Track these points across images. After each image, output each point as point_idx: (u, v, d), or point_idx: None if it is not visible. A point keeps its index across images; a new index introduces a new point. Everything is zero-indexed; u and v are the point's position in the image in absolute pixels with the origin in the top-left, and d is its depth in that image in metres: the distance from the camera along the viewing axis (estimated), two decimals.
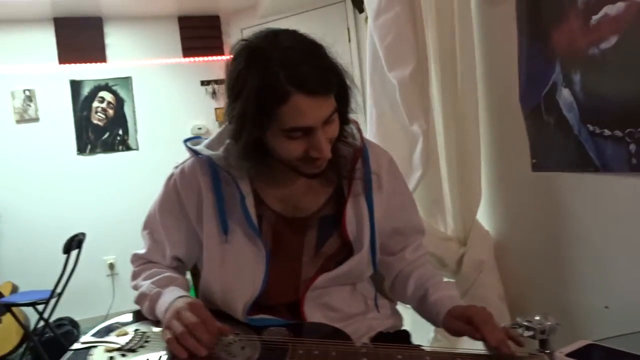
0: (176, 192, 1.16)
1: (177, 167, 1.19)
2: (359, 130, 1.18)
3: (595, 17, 1.23)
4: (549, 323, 1.01)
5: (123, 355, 0.95)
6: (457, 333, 1.09)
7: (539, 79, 1.42)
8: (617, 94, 1.20)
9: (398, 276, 1.28)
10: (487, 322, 1.02)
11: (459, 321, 1.07)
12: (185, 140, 1.19)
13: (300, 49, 0.98)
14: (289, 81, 0.94)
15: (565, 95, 1.34)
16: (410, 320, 1.30)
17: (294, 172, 1.08)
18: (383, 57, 1.66)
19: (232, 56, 1.01)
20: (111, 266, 4.37)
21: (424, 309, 1.20)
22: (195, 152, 1.15)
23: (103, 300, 4.23)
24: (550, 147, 1.42)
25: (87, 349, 0.97)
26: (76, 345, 0.99)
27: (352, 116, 1.13)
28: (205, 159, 1.13)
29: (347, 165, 1.15)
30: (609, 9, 1.18)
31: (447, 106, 1.65)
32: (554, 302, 1.47)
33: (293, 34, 1.01)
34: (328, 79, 0.98)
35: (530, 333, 1.02)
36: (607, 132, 1.23)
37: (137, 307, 1.15)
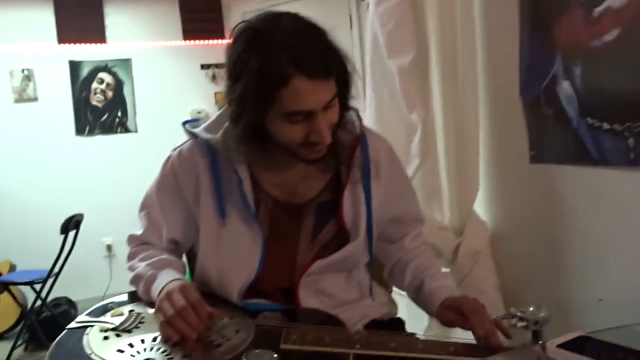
0: (174, 174, 1.16)
1: (175, 149, 1.19)
2: (359, 117, 1.17)
3: (597, 10, 1.22)
4: (542, 314, 1.02)
5: (118, 335, 0.95)
6: (449, 323, 1.10)
7: (540, 70, 1.41)
8: (618, 87, 1.20)
9: (396, 264, 1.29)
10: (476, 312, 1.03)
11: (450, 311, 1.09)
12: (184, 123, 1.19)
13: (302, 31, 0.97)
14: (290, 64, 0.94)
15: (565, 87, 1.34)
16: (406, 308, 1.31)
17: (292, 157, 1.07)
18: (383, 45, 1.65)
19: (232, 38, 1.00)
20: (109, 247, 4.38)
21: (419, 299, 1.22)
22: (193, 135, 1.15)
23: (100, 281, 4.24)
24: (548, 139, 1.42)
25: (83, 329, 0.98)
26: (72, 325, 1.00)
27: (351, 103, 1.13)
28: (204, 142, 1.12)
29: (346, 152, 1.14)
30: (612, 2, 1.17)
31: (446, 95, 1.64)
32: (548, 293, 1.48)
33: (294, 17, 1.00)
34: (329, 63, 0.98)
35: (524, 324, 1.03)
36: (606, 125, 1.23)
37: (133, 288, 1.16)
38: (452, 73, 1.62)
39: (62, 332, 0.99)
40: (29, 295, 3.56)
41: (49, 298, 3.52)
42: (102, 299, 1.15)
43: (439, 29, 1.63)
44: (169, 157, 1.19)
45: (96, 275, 4.26)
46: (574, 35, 1.30)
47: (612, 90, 1.22)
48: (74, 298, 3.86)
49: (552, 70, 1.36)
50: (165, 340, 0.93)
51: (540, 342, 1.03)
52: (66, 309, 3.70)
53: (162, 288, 1.03)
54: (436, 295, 1.15)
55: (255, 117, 1.00)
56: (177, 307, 0.95)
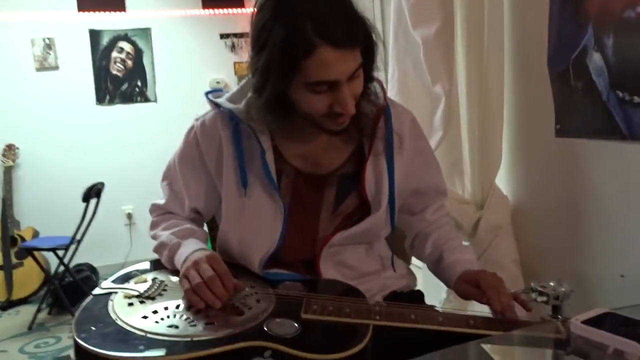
0: (196, 144, 1.17)
1: (197, 119, 1.19)
2: (383, 88, 1.16)
3: None
4: (563, 289, 1.02)
5: (142, 302, 0.97)
6: (466, 296, 1.11)
7: (570, 41, 1.37)
8: None
9: (417, 236, 1.29)
10: (493, 287, 1.03)
11: (468, 285, 1.09)
12: (207, 93, 1.18)
13: (327, 0, 0.95)
14: (316, 33, 0.92)
15: (596, 59, 1.30)
16: (422, 281, 1.31)
17: (316, 128, 1.07)
18: (408, 14, 1.61)
19: (257, 6, 0.99)
20: (129, 216, 4.45)
21: (438, 271, 1.22)
22: (216, 105, 1.14)
23: (121, 248, 4.33)
24: (576, 112, 1.38)
25: (107, 295, 1.00)
26: (97, 291, 1.02)
27: (375, 74, 1.11)
28: (227, 112, 1.12)
29: (369, 124, 1.13)
30: None
31: (471, 67, 1.60)
32: (569, 269, 1.46)
33: None
34: (355, 32, 0.96)
35: (544, 298, 1.03)
36: (637, 99, 1.19)
37: (154, 256, 1.17)
38: (477, 44, 1.58)
39: (84, 297, 1.01)
40: (52, 261, 3.64)
41: (72, 264, 3.60)
42: (123, 266, 1.17)
43: None
44: (191, 127, 1.19)
45: (117, 242, 4.35)
46: (606, 5, 1.25)
47: None
48: (95, 264, 3.95)
49: (583, 41, 1.32)
50: (190, 307, 0.95)
51: (559, 317, 1.03)
52: (88, 274, 3.78)
53: (187, 257, 1.04)
54: (454, 269, 1.15)
55: (279, 86, 0.99)
56: (205, 276, 0.96)
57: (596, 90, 1.30)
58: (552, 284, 1.03)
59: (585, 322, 0.71)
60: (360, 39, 0.98)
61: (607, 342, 0.68)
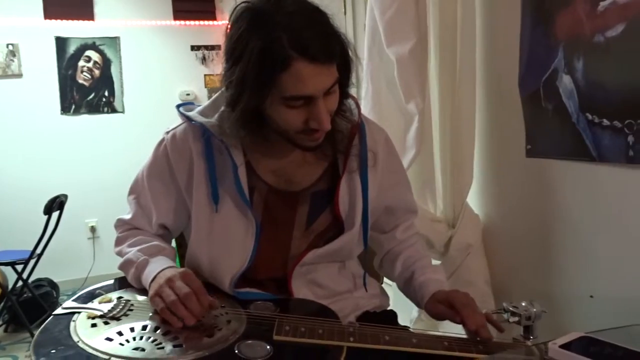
0: (166, 157, 1.13)
1: (168, 132, 1.16)
2: (358, 105, 1.15)
3: (603, 4, 1.20)
4: (535, 310, 1.02)
5: (106, 323, 0.93)
6: (439, 316, 1.10)
7: (541, 63, 1.40)
8: (620, 83, 1.19)
9: (387, 255, 1.28)
10: (467, 306, 1.03)
11: (441, 305, 1.08)
12: (178, 106, 1.15)
13: (304, 14, 0.95)
14: (292, 46, 0.91)
15: (566, 82, 1.32)
16: (393, 299, 1.30)
17: (290, 144, 1.05)
18: (382, 32, 1.62)
19: (233, 18, 0.97)
20: (92, 229, 4.32)
21: (409, 291, 1.21)
22: (188, 118, 1.11)
23: (83, 262, 4.20)
24: (546, 133, 1.41)
25: (69, 315, 0.95)
26: (58, 311, 0.97)
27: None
28: (198, 125, 1.09)
29: (344, 141, 1.12)
30: None
31: (444, 86, 1.63)
32: (539, 288, 1.48)
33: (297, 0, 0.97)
34: (332, 48, 0.96)
35: (516, 319, 1.03)
36: (605, 122, 1.22)
37: (117, 271, 1.13)
38: (450, 63, 1.60)
39: (43, 313, 0.96)
40: (10, 275, 3.50)
41: (31, 279, 3.47)
42: (85, 281, 1.13)
43: (440, 17, 1.61)
44: (161, 140, 1.16)
45: (79, 256, 4.22)
46: (577, 29, 1.28)
47: (613, 86, 1.20)
48: (56, 279, 3.82)
49: (554, 63, 1.35)
50: (158, 328, 0.91)
51: (531, 337, 1.03)
52: (48, 290, 3.65)
53: (156, 275, 1.00)
54: (426, 289, 1.15)
55: (254, 100, 0.97)
56: (180, 293, 0.93)
57: (566, 112, 1.32)
58: (524, 304, 1.03)
59: (562, 346, 0.71)
60: (337, 54, 0.98)
61: None
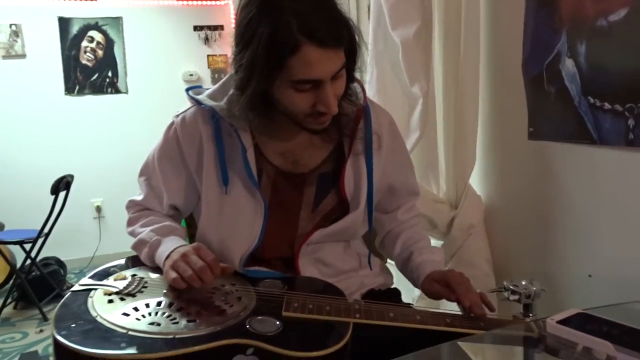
0: (176, 140, 1.16)
1: (177, 115, 1.18)
2: (363, 89, 1.18)
3: None
4: (534, 288, 1.06)
5: (122, 299, 0.96)
6: (435, 295, 1.14)
7: (544, 47, 1.41)
8: (621, 67, 1.21)
9: (388, 235, 1.31)
10: (462, 284, 1.07)
11: (437, 283, 1.12)
12: (187, 89, 1.18)
13: (313, 0, 0.96)
14: (301, 31, 0.93)
15: (568, 65, 1.34)
16: (397, 278, 1.34)
17: (297, 127, 1.08)
18: (387, 15, 1.63)
19: (243, 3, 0.99)
20: (98, 209, 4.37)
21: (406, 271, 1.25)
22: (197, 102, 1.14)
23: (89, 242, 4.25)
24: (548, 116, 1.43)
25: (86, 292, 0.99)
26: (76, 287, 1.01)
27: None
28: (207, 109, 1.12)
29: (350, 124, 1.15)
30: None
31: (448, 69, 1.64)
32: (539, 268, 1.51)
33: None
34: (340, 32, 0.98)
35: (516, 297, 1.07)
36: (607, 105, 1.24)
37: (122, 249, 1.16)
38: (454, 46, 1.61)
39: (51, 291, 1.00)
40: (18, 254, 3.56)
41: (39, 258, 3.52)
42: (91, 260, 1.16)
43: (444, 0, 1.61)
44: (171, 124, 1.18)
45: (85, 236, 4.27)
46: (580, 12, 1.29)
47: (615, 70, 1.22)
48: (63, 258, 3.88)
49: (557, 47, 1.36)
50: (172, 303, 0.95)
51: (531, 315, 1.07)
52: (56, 268, 3.71)
53: (170, 254, 1.04)
54: (423, 269, 1.18)
55: (263, 84, 1.00)
56: (196, 267, 0.98)
57: (568, 96, 1.34)
58: (523, 283, 1.07)
59: (560, 322, 0.75)
60: (344, 39, 1.00)
61: (580, 341, 0.71)
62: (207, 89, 1.19)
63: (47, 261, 3.72)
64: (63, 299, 0.96)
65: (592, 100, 1.28)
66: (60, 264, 3.81)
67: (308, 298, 0.99)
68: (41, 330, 3.12)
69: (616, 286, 1.25)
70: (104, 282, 1.03)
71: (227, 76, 1.15)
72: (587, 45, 1.28)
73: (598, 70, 1.26)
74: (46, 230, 3.37)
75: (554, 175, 1.45)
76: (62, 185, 3.35)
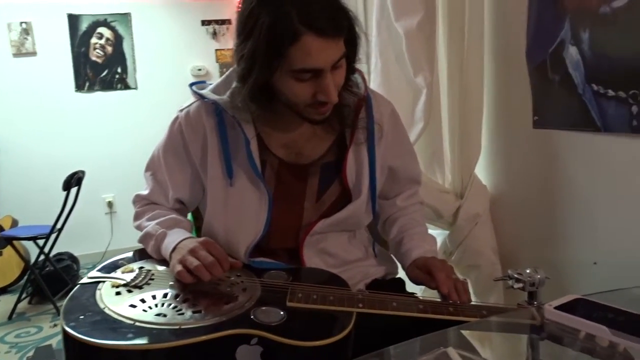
0: (181, 134, 1.17)
1: (181, 110, 1.20)
2: (364, 79, 1.19)
3: None
4: (539, 276, 1.06)
5: (129, 291, 0.98)
6: (416, 281, 1.17)
7: (547, 35, 1.40)
8: (625, 54, 1.20)
9: (387, 220, 1.34)
10: (442, 271, 1.09)
11: (419, 270, 1.14)
12: (191, 85, 1.19)
13: None
14: (301, 21, 0.94)
15: (572, 53, 1.33)
16: (400, 268, 1.35)
17: (299, 117, 1.09)
18: (391, 6, 1.63)
19: None
20: (110, 204, 4.42)
21: (397, 255, 1.28)
22: (201, 96, 1.15)
23: (102, 237, 4.31)
24: (553, 104, 1.42)
25: (95, 284, 1.01)
26: (84, 280, 1.03)
27: (356, 66, 1.14)
28: (211, 103, 1.13)
29: (351, 114, 1.16)
30: None
31: (452, 58, 1.63)
32: (544, 256, 1.51)
33: None
34: (339, 22, 0.99)
35: (520, 285, 1.07)
36: (610, 92, 1.23)
37: (134, 244, 1.18)
38: (458, 36, 1.61)
39: (65, 286, 1.03)
40: (32, 250, 3.61)
41: (52, 253, 3.57)
42: (104, 255, 1.19)
43: None
44: (176, 118, 1.20)
45: (98, 231, 4.32)
46: (583, 0, 1.28)
47: (619, 57, 1.21)
48: (76, 253, 3.93)
49: (560, 35, 1.35)
50: (184, 293, 0.97)
51: (535, 303, 1.07)
52: (69, 263, 3.76)
53: (176, 246, 1.06)
54: (410, 254, 1.21)
55: (264, 74, 1.01)
56: (206, 262, 1.00)
57: (572, 83, 1.33)
58: (528, 271, 1.07)
59: (557, 307, 0.75)
60: (344, 28, 1.01)
61: (578, 326, 0.72)
62: (211, 83, 1.21)
63: (60, 256, 3.77)
64: (72, 292, 0.98)
65: (595, 88, 1.27)
66: (74, 259, 3.86)
67: (312, 288, 1.00)
68: (55, 325, 3.17)
69: (621, 273, 1.25)
70: (112, 274, 1.05)
71: (230, 70, 1.16)
72: (590, 32, 1.28)
73: (601, 57, 1.26)
74: (59, 226, 3.41)
75: (558, 163, 1.45)
76: (74, 181, 3.39)
